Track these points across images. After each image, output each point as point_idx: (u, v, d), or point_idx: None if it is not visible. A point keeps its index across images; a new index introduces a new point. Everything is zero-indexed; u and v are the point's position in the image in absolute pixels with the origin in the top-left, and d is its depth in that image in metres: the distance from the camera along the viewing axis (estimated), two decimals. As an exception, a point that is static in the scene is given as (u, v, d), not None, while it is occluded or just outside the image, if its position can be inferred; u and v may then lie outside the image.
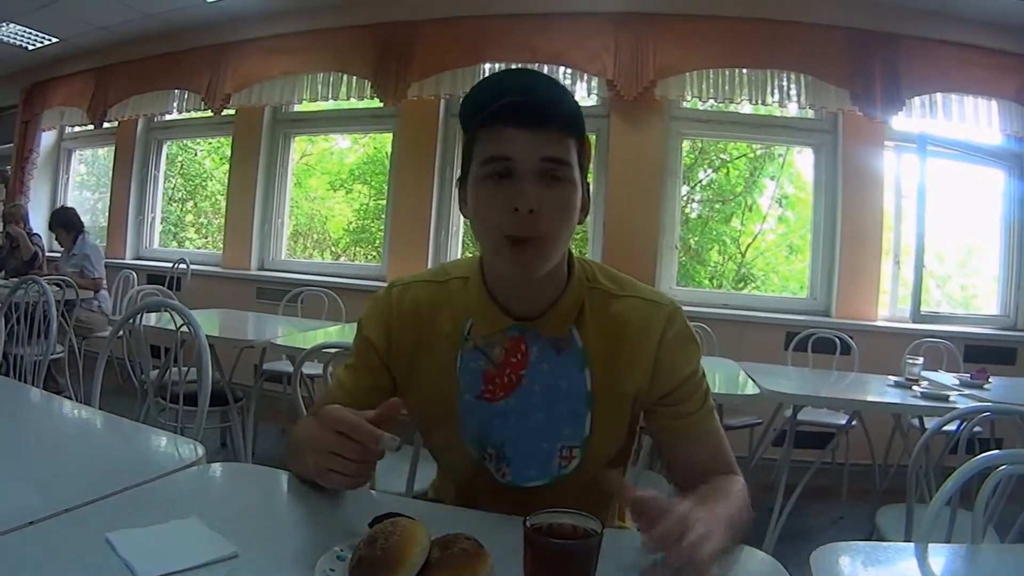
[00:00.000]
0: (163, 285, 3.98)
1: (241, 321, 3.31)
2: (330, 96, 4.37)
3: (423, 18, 4.09)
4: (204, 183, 5.78)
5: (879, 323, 3.68)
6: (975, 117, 3.64)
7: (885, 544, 0.89)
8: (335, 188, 5.39)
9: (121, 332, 2.14)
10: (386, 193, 4.55)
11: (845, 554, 0.83)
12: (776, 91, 3.68)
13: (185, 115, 5.02)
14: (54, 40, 4.96)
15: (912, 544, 0.95)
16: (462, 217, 0.85)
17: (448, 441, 0.93)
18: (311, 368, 2.33)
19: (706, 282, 4.52)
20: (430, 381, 0.91)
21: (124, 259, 5.12)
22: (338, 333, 2.78)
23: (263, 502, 0.85)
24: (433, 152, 4.21)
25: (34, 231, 4.49)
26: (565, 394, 0.88)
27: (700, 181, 4.66)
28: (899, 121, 3.66)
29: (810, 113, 3.86)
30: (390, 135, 4.54)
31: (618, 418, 0.90)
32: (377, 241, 4.88)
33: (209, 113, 4.74)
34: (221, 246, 4.88)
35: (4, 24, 4.66)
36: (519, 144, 0.79)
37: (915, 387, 2.38)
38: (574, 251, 0.92)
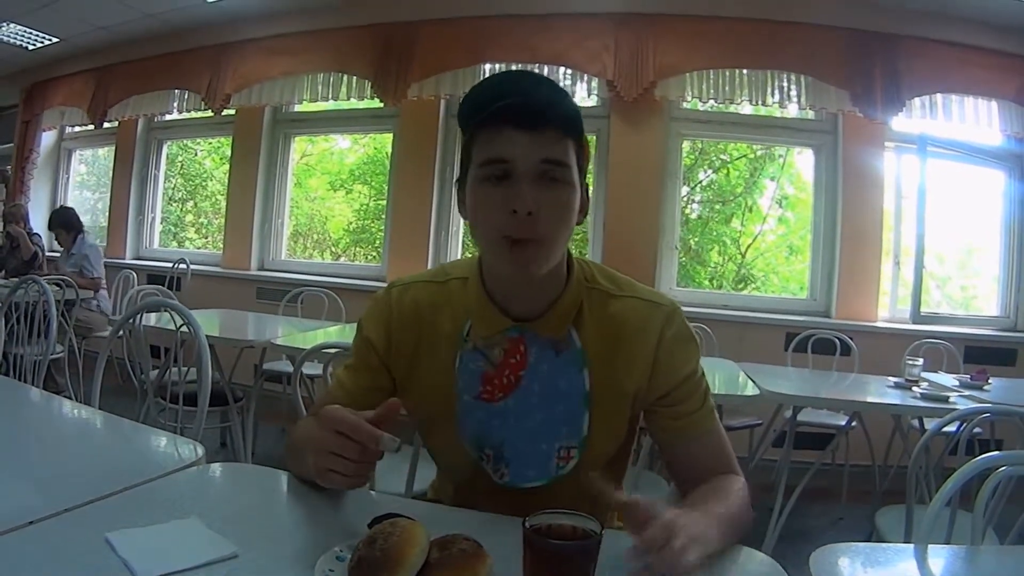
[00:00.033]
0: (163, 285, 3.98)
1: (241, 321, 3.31)
2: (330, 96, 4.37)
3: (423, 18, 4.09)
4: (204, 183, 5.78)
5: (879, 324, 3.67)
6: (975, 118, 3.64)
7: (885, 545, 0.89)
8: (335, 188, 5.39)
9: (121, 332, 2.14)
10: (386, 193, 4.55)
11: (845, 555, 0.83)
12: (776, 92, 3.68)
13: (185, 115, 5.02)
14: (54, 40, 4.96)
15: (912, 545, 0.95)
16: (462, 218, 0.85)
17: (447, 442, 0.93)
18: (311, 368, 2.33)
19: (706, 283, 4.52)
20: (430, 381, 0.91)
21: (124, 259, 5.12)
22: (338, 333, 2.78)
23: (263, 502, 0.85)
24: (433, 152, 4.21)
25: (34, 231, 4.49)
26: (564, 394, 0.88)
27: (700, 182, 4.66)
28: (899, 122, 3.67)
29: (810, 114, 3.86)
30: (390, 135, 4.54)
31: (617, 418, 0.90)
32: (377, 241, 4.88)
33: (209, 113, 4.74)
34: (221, 246, 4.88)
35: (4, 24, 4.67)
36: (518, 146, 0.79)
37: (915, 388, 2.38)
38: (574, 251, 0.92)
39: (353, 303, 3.72)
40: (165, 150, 5.42)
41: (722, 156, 4.60)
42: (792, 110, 3.91)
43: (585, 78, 3.90)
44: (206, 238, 5.66)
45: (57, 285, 3.36)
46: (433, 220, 4.21)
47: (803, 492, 2.39)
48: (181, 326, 1.89)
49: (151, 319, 2.50)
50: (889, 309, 3.85)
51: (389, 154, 4.59)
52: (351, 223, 5.33)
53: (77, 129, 5.80)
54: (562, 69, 3.87)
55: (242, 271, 4.63)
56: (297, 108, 4.74)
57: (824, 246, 3.84)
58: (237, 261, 4.69)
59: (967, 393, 2.37)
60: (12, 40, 4.96)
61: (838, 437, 2.78)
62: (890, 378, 2.60)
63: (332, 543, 0.69)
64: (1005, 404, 1.88)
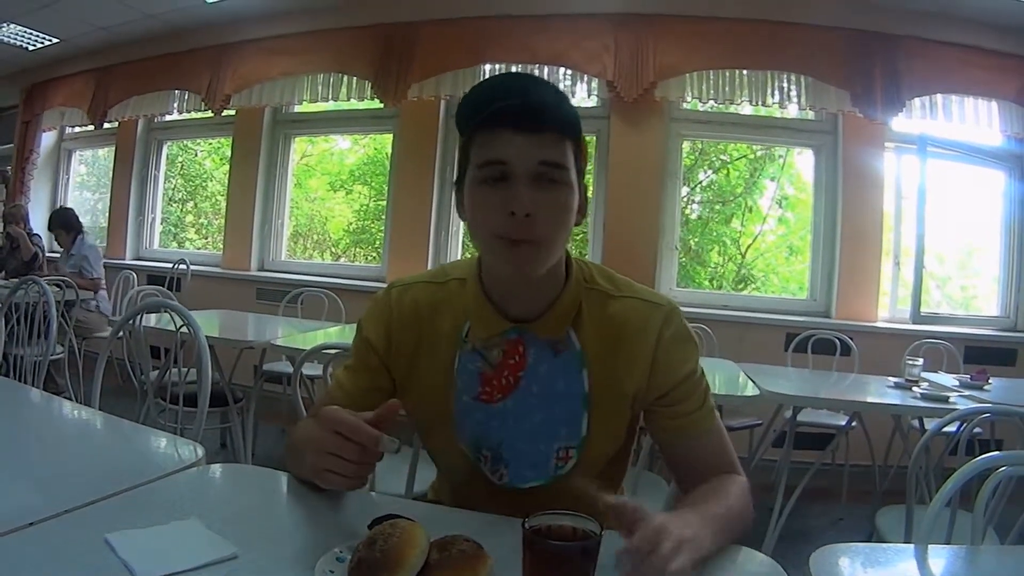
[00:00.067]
0: (163, 286, 3.98)
1: (241, 322, 3.31)
2: (330, 97, 4.37)
3: (423, 19, 4.09)
4: (204, 184, 5.78)
5: (879, 324, 3.67)
6: (975, 118, 3.64)
7: (885, 545, 0.89)
8: (335, 189, 5.39)
9: (121, 333, 2.14)
10: (386, 194, 4.55)
11: (845, 555, 0.83)
12: (776, 92, 3.68)
13: (185, 116, 5.02)
14: (55, 40, 4.97)
15: (912, 545, 0.95)
16: (460, 219, 0.85)
17: (445, 443, 0.93)
18: (311, 369, 2.33)
19: (706, 283, 4.52)
20: (429, 382, 0.92)
21: (124, 259, 5.12)
22: (338, 334, 2.78)
23: (263, 503, 0.85)
24: (433, 153, 4.21)
25: (34, 231, 4.50)
26: (563, 395, 0.88)
27: (700, 182, 4.66)
28: (899, 122, 3.67)
29: (810, 114, 3.86)
30: (390, 136, 4.54)
31: (616, 419, 0.90)
32: (377, 242, 4.88)
33: (209, 114, 4.74)
34: (221, 247, 4.88)
35: (4, 24, 4.67)
36: (515, 148, 0.79)
37: (915, 388, 2.38)
38: (574, 252, 0.92)
39: (353, 304, 3.72)
40: (165, 150, 5.42)
41: (722, 156, 4.61)
42: (792, 110, 3.91)
43: (585, 78, 3.90)
44: (206, 239, 5.66)
45: (57, 286, 3.36)
46: (433, 221, 4.21)
47: (803, 492, 2.39)
48: (181, 327, 1.89)
49: (151, 320, 2.50)
50: (889, 309, 3.85)
51: (389, 155, 4.59)
52: (351, 224, 5.33)
53: (77, 130, 5.80)
54: (562, 69, 3.87)
55: (242, 272, 4.63)
56: (297, 109, 4.75)
57: (824, 246, 3.84)
58: (237, 262, 4.69)
59: (967, 393, 2.37)
60: (12, 40, 4.96)
61: (838, 437, 2.78)
62: (890, 378, 2.60)
63: (332, 544, 0.69)
64: (1005, 404, 1.88)
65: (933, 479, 1.62)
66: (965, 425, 1.62)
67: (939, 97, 3.63)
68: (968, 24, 3.52)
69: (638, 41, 3.71)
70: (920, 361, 2.57)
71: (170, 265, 4.72)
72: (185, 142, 5.65)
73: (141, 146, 5.26)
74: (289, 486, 0.88)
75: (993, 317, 3.88)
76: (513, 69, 3.89)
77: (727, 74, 3.72)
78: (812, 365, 3.13)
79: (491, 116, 0.79)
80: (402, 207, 4.31)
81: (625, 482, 1.08)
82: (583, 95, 3.96)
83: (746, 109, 4.00)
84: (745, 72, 3.70)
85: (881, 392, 2.44)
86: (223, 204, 5.03)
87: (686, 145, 4.20)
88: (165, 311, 2.03)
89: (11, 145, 5.81)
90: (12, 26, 4.70)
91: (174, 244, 5.61)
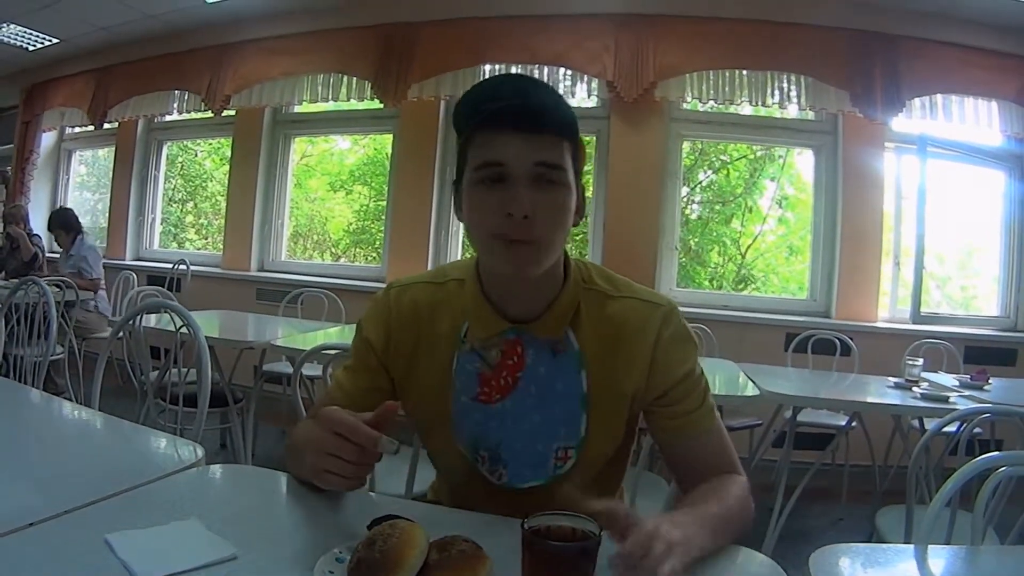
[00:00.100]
0: (163, 286, 3.98)
1: (241, 322, 3.31)
2: (330, 97, 4.37)
3: (424, 19, 4.09)
4: (204, 184, 5.78)
5: (879, 324, 3.67)
6: (975, 118, 3.64)
7: (885, 546, 0.89)
8: (335, 189, 5.39)
9: (121, 333, 2.14)
10: (386, 194, 4.55)
11: (845, 555, 0.83)
12: (776, 92, 3.68)
13: (185, 116, 5.02)
14: (55, 41, 4.97)
15: (912, 546, 0.95)
16: (458, 220, 0.85)
17: (444, 443, 0.93)
18: (311, 369, 2.33)
19: (706, 283, 4.52)
20: (428, 382, 0.92)
21: (124, 260, 5.12)
22: (338, 334, 2.78)
23: (263, 504, 0.85)
24: (433, 153, 4.21)
25: (34, 232, 4.50)
26: (561, 396, 0.88)
27: (700, 182, 4.66)
28: (899, 122, 3.67)
29: (810, 114, 3.86)
30: (390, 136, 4.54)
31: (615, 419, 0.90)
32: (377, 242, 4.88)
33: (209, 114, 4.74)
34: (221, 247, 4.88)
35: (4, 24, 4.67)
36: (513, 149, 0.79)
37: (915, 388, 2.38)
38: (574, 252, 0.92)
39: (353, 304, 3.72)
40: (165, 151, 5.42)
41: (722, 157, 4.60)
42: (792, 111, 3.91)
43: (585, 79, 3.89)
44: (206, 239, 5.66)
45: (57, 286, 3.36)
46: (433, 221, 4.21)
47: (803, 492, 2.39)
48: (181, 327, 1.89)
49: (151, 320, 2.50)
50: (889, 309, 3.85)
51: (389, 155, 4.59)
52: (351, 224, 5.33)
53: (77, 130, 5.80)
54: (562, 70, 3.87)
55: (242, 272, 4.63)
56: (297, 109, 4.75)
57: (824, 246, 3.84)
58: (237, 262, 4.69)
59: (967, 393, 2.37)
60: (12, 40, 4.96)
61: (838, 437, 2.78)
62: (890, 378, 2.60)
63: (331, 544, 0.69)
64: (1005, 404, 1.88)
65: (933, 479, 1.62)
66: (965, 425, 1.62)
67: (939, 97, 3.63)
68: (968, 24, 3.52)
69: (638, 41, 3.71)
70: (920, 361, 2.57)
71: (170, 265, 4.72)
72: (185, 142, 5.65)
73: (141, 146, 5.27)
74: (289, 487, 0.88)
75: (993, 317, 3.88)
76: (513, 69, 3.89)
77: (727, 74, 3.72)
78: (812, 365, 3.13)
79: (489, 117, 0.79)
80: (402, 207, 4.31)
81: (625, 482, 1.08)
82: (583, 95, 3.95)
83: (746, 109, 4.00)
84: (745, 72, 3.70)
85: (881, 392, 2.44)
86: (223, 204, 5.03)
87: (686, 145, 4.20)
88: (165, 311, 2.03)
89: (11, 145, 5.82)
90: (12, 26, 4.71)
91: (174, 244, 5.61)
